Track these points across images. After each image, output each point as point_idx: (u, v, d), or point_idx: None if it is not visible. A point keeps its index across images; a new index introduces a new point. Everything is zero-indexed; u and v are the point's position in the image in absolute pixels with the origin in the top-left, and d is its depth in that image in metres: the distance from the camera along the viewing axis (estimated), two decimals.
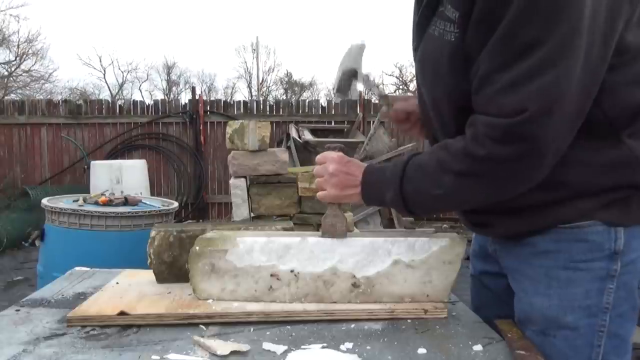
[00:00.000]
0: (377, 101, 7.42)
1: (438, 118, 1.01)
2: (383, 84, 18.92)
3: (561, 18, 0.77)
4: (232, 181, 3.62)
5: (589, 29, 0.79)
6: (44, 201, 3.03)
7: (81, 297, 1.24)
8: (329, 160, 1.07)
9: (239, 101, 8.13)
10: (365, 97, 7.57)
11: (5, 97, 14.56)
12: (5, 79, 17.65)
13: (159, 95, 24.78)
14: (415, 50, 1.04)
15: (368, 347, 0.95)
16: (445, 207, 1.12)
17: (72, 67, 50.89)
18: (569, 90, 0.81)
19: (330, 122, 7.73)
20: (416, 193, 0.97)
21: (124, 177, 5.87)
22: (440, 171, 0.92)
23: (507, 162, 0.86)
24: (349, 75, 1.11)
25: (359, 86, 1.21)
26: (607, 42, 0.82)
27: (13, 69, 17.99)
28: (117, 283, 1.28)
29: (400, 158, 1.01)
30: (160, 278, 1.27)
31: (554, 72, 0.79)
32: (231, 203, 3.68)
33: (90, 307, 1.10)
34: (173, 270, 1.27)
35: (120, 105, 7.85)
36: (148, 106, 7.82)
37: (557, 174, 0.90)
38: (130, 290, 1.22)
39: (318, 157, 1.10)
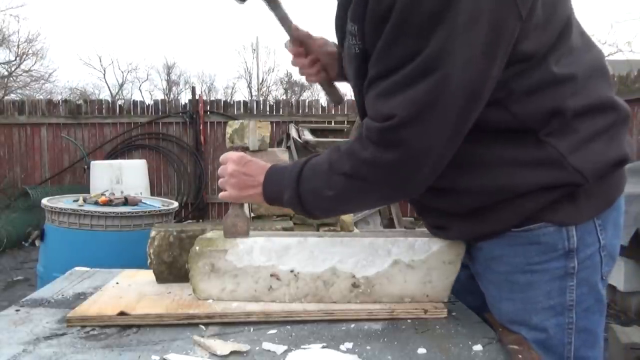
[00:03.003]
0: None
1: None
2: None
3: (434, 32, 0.79)
4: None
5: (464, 42, 0.79)
6: (44, 201, 3.03)
7: (81, 297, 1.24)
8: (229, 160, 1.08)
9: (239, 101, 8.13)
10: None
11: (5, 97, 14.54)
12: (5, 79, 17.63)
13: (159, 95, 24.80)
14: (340, 54, 1.09)
15: (368, 347, 0.95)
16: (341, 209, 1.12)
17: (72, 67, 50.77)
18: (440, 100, 0.82)
19: (330, 122, 7.73)
20: (311, 194, 0.98)
21: (124, 177, 5.88)
22: (331, 172, 0.94)
23: (387, 166, 0.88)
24: None
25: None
26: (490, 54, 0.82)
27: (13, 69, 17.97)
28: (117, 283, 1.28)
29: (300, 159, 1.05)
30: (160, 278, 1.27)
31: (425, 82, 0.81)
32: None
33: (90, 307, 1.10)
34: (173, 270, 1.27)
35: (120, 105, 7.85)
36: (148, 106, 7.81)
37: (491, 177, 0.93)
38: (130, 290, 1.22)
39: (221, 157, 1.11)
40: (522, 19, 0.82)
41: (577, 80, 0.90)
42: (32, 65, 18.30)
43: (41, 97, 16.44)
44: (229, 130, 3.57)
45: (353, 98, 1.07)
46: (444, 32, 0.79)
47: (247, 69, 25.81)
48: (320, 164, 0.97)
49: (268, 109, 7.91)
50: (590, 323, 0.97)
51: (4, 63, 17.40)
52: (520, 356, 0.89)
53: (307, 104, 8.12)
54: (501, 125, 0.90)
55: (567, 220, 0.93)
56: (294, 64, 1.27)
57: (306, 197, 0.98)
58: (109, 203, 3.09)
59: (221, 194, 1.11)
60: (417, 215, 1.15)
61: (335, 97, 1.34)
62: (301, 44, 1.23)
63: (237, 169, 1.06)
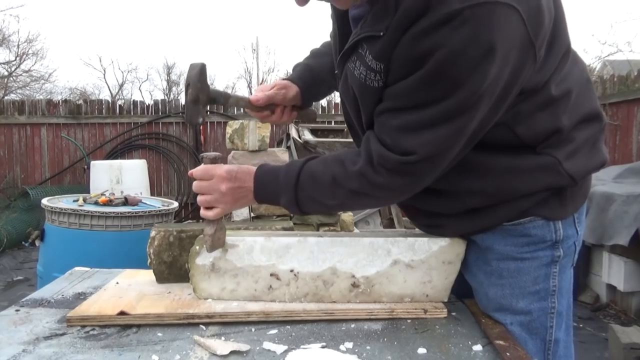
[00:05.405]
0: None
1: (362, 130, 1.07)
2: None
3: (464, 85, 0.84)
4: None
5: (488, 94, 0.86)
6: (44, 201, 3.03)
7: (81, 297, 1.24)
8: (219, 179, 1.04)
9: None
10: None
11: (5, 97, 14.55)
12: (5, 79, 17.61)
13: (159, 95, 24.78)
14: (338, 77, 1.09)
15: (368, 347, 0.95)
16: (338, 211, 1.14)
17: (72, 67, 50.47)
18: (455, 145, 0.91)
19: (330, 122, 7.72)
20: (310, 200, 1.03)
21: (124, 177, 5.88)
22: (335, 186, 1.00)
23: (396, 188, 0.98)
24: (194, 102, 1.09)
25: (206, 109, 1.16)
26: (503, 101, 0.90)
27: (13, 69, 17.96)
28: (117, 283, 1.28)
29: (293, 162, 1.05)
30: (160, 278, 1.27)
31: (447, 126, 0.88)
32: None
33: (90, 307, 1.10)
34: (173, 270, 1.27)
35: (120, 105, 7.84)
36: (148, 106, 7.81)
37: (493, 181, 1.00)
38: (130, 290, 1.22)
39: (199, 172, 1.06)
40: (536, 62, 0.88)
41: (572, 95, 0.98)
42: (32, 65, 18.29)
43: (41, 97, 16.43)
44: (229, 130, 3.58)
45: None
46: (475, 84, 0.84)
47: (247, 69, 25.69)
48: (321, 175, 1.01)
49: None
50: (561, 306, 1.05)
51: (4, 63, 17.40)
52: (507, 354, 0.90)
53: None
54: (505, 142, 0.98)
55: (554, 216, 1.02)
56: (265, 122, 1.28)
57: (305, 202, 1.03)
58: (108, 203, 3.09)
59: (210, 213, 1.05)
60: (409, 219, 1.18)
61: (311, 117, 1.35)
62: (265, 108, 1.24)
63: (231, 185, 1.04)
